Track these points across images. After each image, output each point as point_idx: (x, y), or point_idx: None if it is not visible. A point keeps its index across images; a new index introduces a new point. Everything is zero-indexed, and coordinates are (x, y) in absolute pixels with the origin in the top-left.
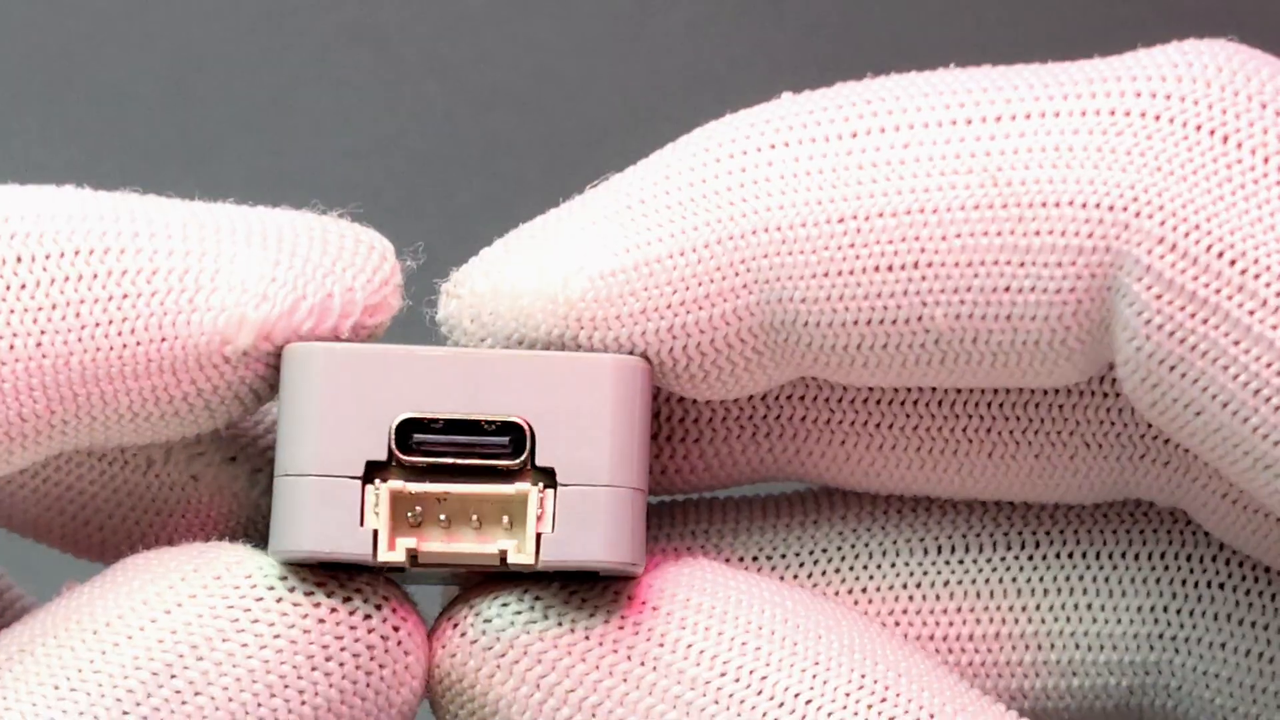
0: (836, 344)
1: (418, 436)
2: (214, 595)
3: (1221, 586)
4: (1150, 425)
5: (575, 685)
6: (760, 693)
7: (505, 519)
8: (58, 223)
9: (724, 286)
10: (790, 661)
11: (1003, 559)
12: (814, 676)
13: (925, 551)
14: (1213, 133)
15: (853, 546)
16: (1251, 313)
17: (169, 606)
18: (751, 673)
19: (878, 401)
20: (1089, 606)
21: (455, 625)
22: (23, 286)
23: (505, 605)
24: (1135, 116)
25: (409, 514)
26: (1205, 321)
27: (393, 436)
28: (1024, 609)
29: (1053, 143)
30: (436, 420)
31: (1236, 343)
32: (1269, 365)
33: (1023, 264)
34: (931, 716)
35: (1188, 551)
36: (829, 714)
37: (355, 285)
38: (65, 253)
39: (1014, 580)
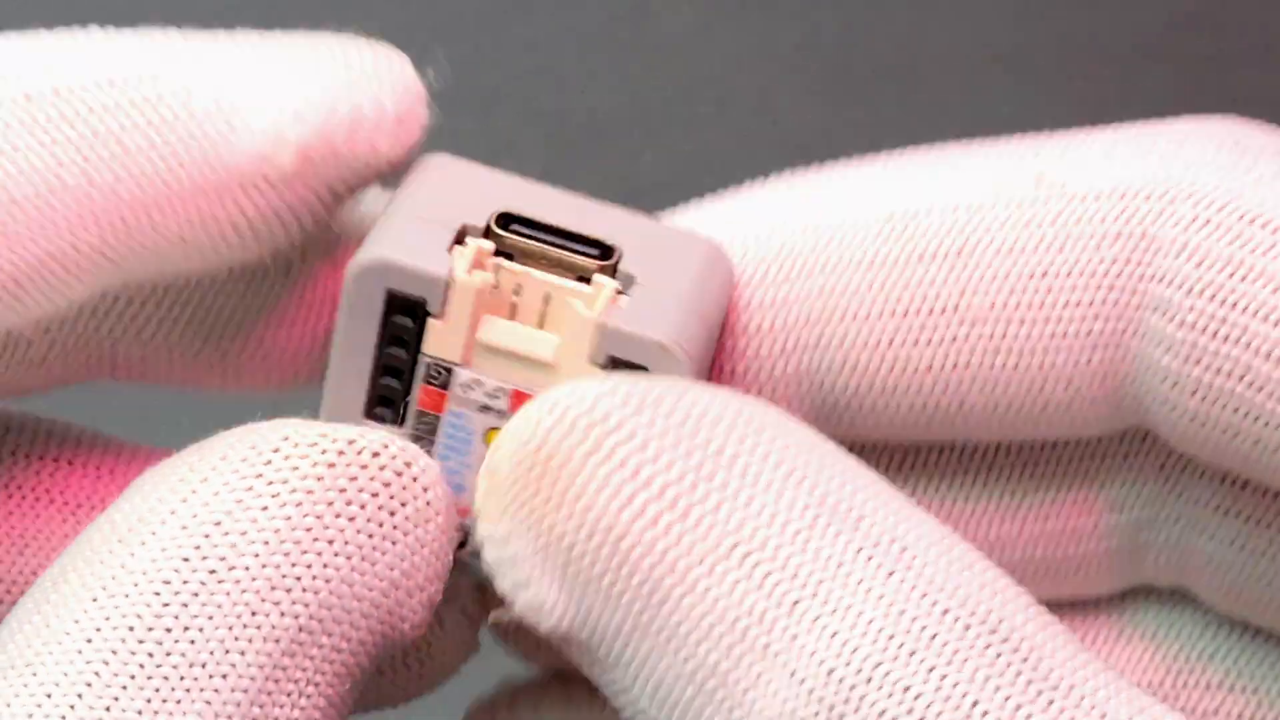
0: (869, 339)
1: (515, 226)
2: (223, 472)
3: None
4: None
5: (662, 469)
6: (812, 490)
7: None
8: (89, 55)
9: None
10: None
11: None
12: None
13: None
14: (1236, 144)
15: None
16: None
17: (184, 495)
18: (804, 478)
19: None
20: None
21: (553, 401)
22: (63, 118)
23: (604, 384)
24: (1164, 133)
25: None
26: (1244, 279)
27: (493, 217)
28: None
29: (1094, 152)
30: (537, 221)
31: (1276, 291)
32: None
33: (1061, 249)
34: (903, 550)
35: None
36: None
37: (381, 95)
38: (100, 83)
39: None
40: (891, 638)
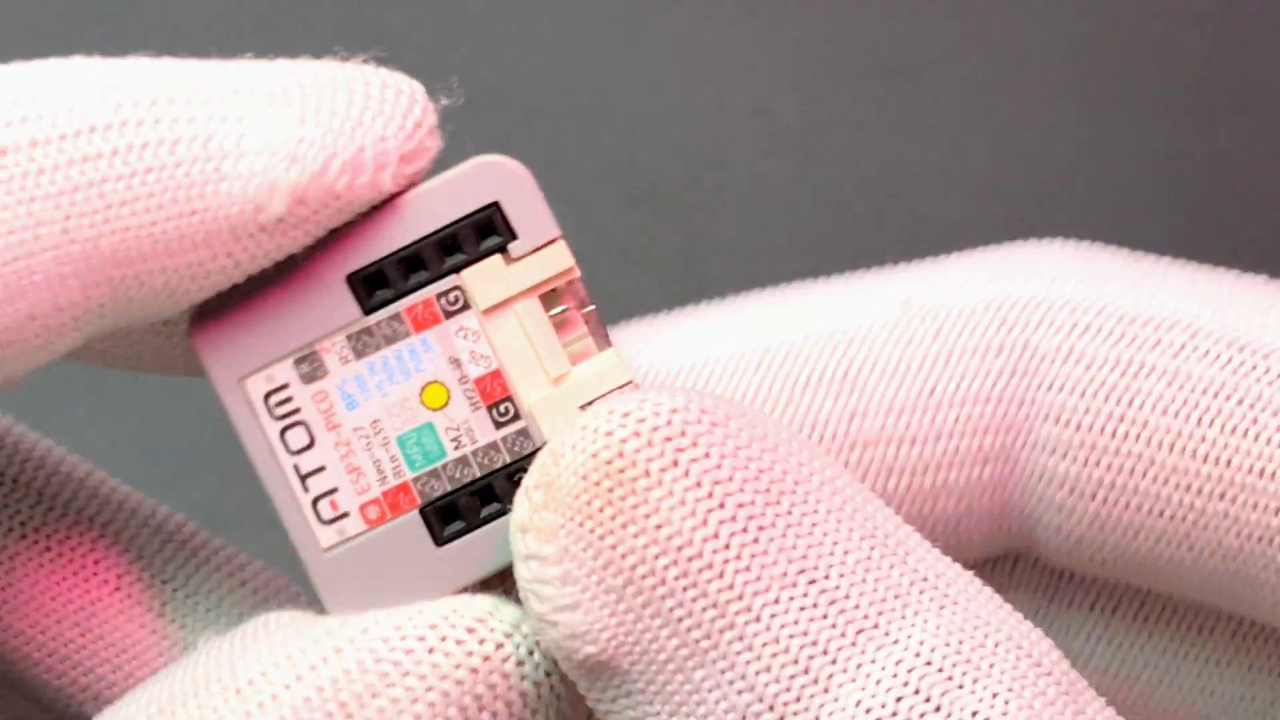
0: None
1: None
2: (361, 649)
3: None
4: None
5: (735, 490)
6: (865, 521)
7: None
8: (70, 100)
9: None
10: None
11: None
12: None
13: None
14: (1087, 258)
15: None
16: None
17: (314, 662)
18: (856, 509)
19: None
20: None
21: (624, 412)
22: (40, 171)
23: (675, 397)
24: (1015, 254)
25: None
26: (1135, 375)
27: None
28: None
29: (953, 275)
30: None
31: (1170, 384)
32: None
33: (945, 367)
34: (948, 585)
35: None
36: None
37: (387, 134)
38: (81, 131)
39: None
40: (955, 665)
